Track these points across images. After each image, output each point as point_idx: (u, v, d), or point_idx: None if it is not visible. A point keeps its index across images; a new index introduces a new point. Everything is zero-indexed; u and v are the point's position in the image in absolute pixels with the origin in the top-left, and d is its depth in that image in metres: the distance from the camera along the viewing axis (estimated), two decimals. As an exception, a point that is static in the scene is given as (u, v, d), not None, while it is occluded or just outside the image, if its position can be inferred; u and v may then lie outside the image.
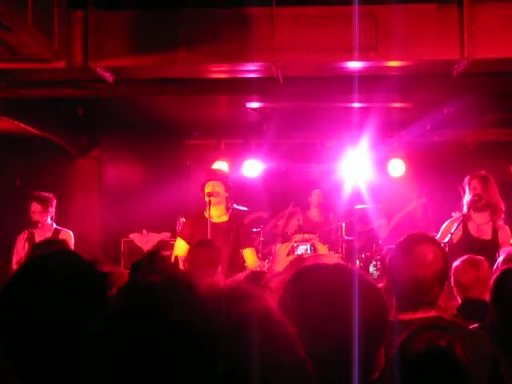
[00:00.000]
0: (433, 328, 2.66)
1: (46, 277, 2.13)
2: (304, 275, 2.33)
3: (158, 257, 5.79)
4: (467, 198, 7.74)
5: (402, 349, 2.50)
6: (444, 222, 7.93)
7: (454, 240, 7.51)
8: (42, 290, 2.08)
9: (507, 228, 7.77)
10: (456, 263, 5.69)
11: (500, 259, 5.03)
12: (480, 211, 7.71)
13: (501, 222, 7.75)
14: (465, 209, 7.72)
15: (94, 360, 2.03)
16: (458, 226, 7.51)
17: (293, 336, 1.16)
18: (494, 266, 4.97)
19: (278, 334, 1.13)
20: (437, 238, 7.79)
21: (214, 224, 8.18)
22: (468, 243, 7.45)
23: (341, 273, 2.30)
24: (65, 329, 2.04)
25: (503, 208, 7.78)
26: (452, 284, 5.66)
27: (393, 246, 3.85)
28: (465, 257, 5.70)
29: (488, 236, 7.65)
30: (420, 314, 3.46)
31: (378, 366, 2.25)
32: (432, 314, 3.49)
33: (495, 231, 7.67)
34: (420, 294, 3.51)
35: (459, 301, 5.60)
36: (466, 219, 7.65)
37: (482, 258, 5.59)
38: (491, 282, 2.92)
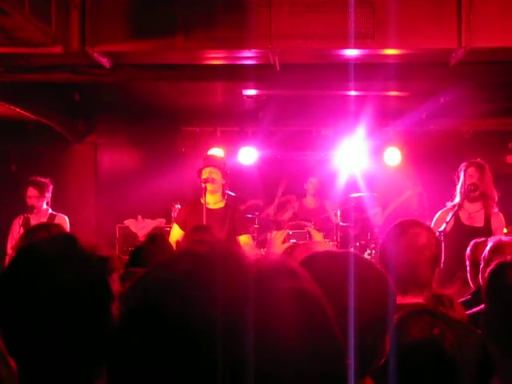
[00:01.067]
0: (426, 314, 2.67)
1: (46, 260, 2.12)
2: (314, 261, 2.35)
3: (159, 240, 5.80)
4: (461, 185, 7.72)
5: (396, 335, 2.50)
6: (439, 210, 7.94)
7: (447, 229, 7.50)
8: (42, 275, 2.07)
9: (501, 215, 7.76)
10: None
11: (487, 248, 5.01)
12: (473, 201, 7.69)
13: (495, 210, 7.74)
14: (458, 197, 7.70)
15: (96, 351, 2.03)
16: (452, 215, 7.51)
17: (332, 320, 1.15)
18: (482, 255, 4.95)
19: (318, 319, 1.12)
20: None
21: (209, 210, 8.20)
22: (460, 231, 7.44)
23: (349, 259, 2.32)
24: (66, 315, 2.04)
25: (496, 198, 7.77)
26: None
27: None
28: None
29: (480, 223, 7.64)
30: (409, 299, 3.46)
31: (383, 351, 2.26)
32: (421, 300, 3.51)
33: (488, 218, 7.65)
34: (411, 277, 3.52)
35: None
36: (458, 208, 7.64)
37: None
38: (487, 273, 2.92)
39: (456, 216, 7.63)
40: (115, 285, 2.17)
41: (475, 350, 2.99)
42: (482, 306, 3.01)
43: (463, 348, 2.55)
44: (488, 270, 2.91)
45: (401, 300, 3.41)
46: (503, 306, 2.72)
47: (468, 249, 5.75)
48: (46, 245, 2.24)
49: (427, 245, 3.58)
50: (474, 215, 7.68)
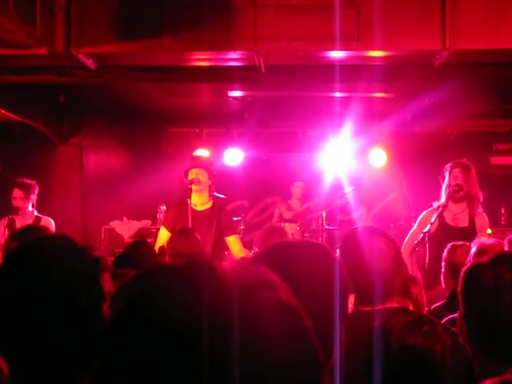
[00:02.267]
0: (413, 313, 2.69)
1: (38, 261, 2.13)
2: (276, 250, 2.40)
3: (142, 247, 5.82)
4: (446, 186, 7.72)
5: (382, 334, 2.51)
6: (424, 211, 7.96)
7: (432, 230, 7.51)
8: (36, 274, 2.09)
9: (485, 215, 7.76)
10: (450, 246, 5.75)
11: (472, 251, 5.03)
12: (458, 201, 7.71)
13: (479, 210, 7.75)
14: (443, 198, 7.72)
15: (87, 350, 2.05)
16: (437, 216, 7.53)
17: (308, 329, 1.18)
18: (467, 259, 4.95)
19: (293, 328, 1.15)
20: (414, 228, 7.84)
21: (196, 212, 8.20)
22: (444, 232, 7.44)
23: (308, 248, 2.38)
24: (58, 314, 2.05)
25: (481, 198, 7.79)
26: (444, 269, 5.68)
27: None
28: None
29: (465, 223, 7.65)
30: (389, 304, 3.47)
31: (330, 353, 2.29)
32: (399, 304, 3.52)
33: (472, 218, 7.66)
34: (385, 287, 3.50)
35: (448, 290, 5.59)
36: (442, 209, 7.65)
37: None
38: (461, 274, 2.94)
39: (441, 217, 7.64)
40: (107, 284, 2.19)
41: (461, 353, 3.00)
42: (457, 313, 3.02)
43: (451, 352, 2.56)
44: (462, 270, 2.93)
45: (379, 306, 3.43)
46: (479, 308, 2.74)
47: (445, 250, 5.77)
48: (40, 244, 2.25)
49: (389, 251, 3.58)
50: (459, 216, 7.69)
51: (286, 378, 1.09)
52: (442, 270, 5.70)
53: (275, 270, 1.19)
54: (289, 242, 2.99)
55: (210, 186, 8.48)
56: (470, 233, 7.21)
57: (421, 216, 7.85)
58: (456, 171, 7.71)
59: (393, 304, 3.49)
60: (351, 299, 2.57)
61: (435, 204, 7.82)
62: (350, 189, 11.61)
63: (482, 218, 7.70)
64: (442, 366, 2.41)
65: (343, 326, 2.34)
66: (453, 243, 5.81)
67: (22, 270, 2.11)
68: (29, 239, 2.41)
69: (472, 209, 7.67)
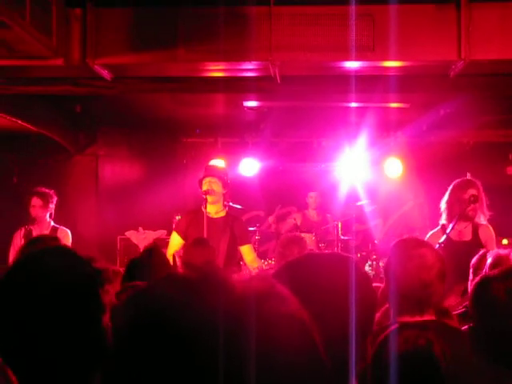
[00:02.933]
0: (414, 327, 2.68)
1: (37, 273, 2.15)
2: (296, 265, 2.38)
3: (156, 254, 5.81)
4: (455, 201, 7.58)
5: (380, 347, 2.51)
6: (439, 221, 7.89)
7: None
8: (36, 285, 2.10)
9: (489, 227, 7.62)
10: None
11: (488, 263, 5.01)
12: (467, 219, 7.56)
13: (483, 222, 7.61)
14: (448, 216, 7.57)
15: (85, 361, 2.06)
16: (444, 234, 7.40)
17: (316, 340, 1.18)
18: (483, 271, 4.94)
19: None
20: None
21: (210, 219, 8.19)
22: (450, 248, 7.34)
23: (335, 261, 2.36)
24: (56, 325, 2.06)
25: (487, 215, 7.65)
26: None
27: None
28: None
29: (468, 237, 7.57)
30: (426, 317, 3.49)
31: (362, 357, 2.28)
32: (433, 317, 3.54)
33: (475, 231, 7.56)
34: (426, 297, 3.53)
35: None
36: (446, 227, 7.55)
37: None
38: (471, 287, 2.93)
39: (444, 233, 7.57)
40: (107, 296, 2.20)
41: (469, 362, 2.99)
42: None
43: (457, 359, 2.55)
44: (473, 283, 2.92)
45: (418, 318, 3.46)
46: (491, 320, 2.73)
47: (475, 257, 5.75)
48: (40, 256, 2.27)
49: (434, 263, 3.61)
50: (463, 230, 7.61)
51: None
52: (471, 276, 5.68)
53: (301, 283, 1.18)
54: (316, 253, 2.97)
55: (224, 195, 8.48)
56: (474, 245, 7.13)
57: (427, 237, 7.70)
58: (467, 187, 7.60)
59: (430, 316, 3.52)
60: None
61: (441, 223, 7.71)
62: (363, 202, 11.62)
63: (484, 229, 7.58)
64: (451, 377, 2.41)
65: (370, 337, 2.34)
66: (484, 250, 5.81)
67: (22, 281, 2.13)
68: (30, 252, 2.43)
69: (474, 222, 7.57)
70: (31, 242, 5.94)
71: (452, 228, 7.38)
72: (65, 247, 2.33)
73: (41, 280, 2.11)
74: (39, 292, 2.08)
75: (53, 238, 6.45)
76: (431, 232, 7.76)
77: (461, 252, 6.07)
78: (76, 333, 2.07)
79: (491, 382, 2.66)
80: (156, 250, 5.93)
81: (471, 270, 5.72)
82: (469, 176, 7.87)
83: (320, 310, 1.97)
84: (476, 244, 7.26)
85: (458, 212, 7.48)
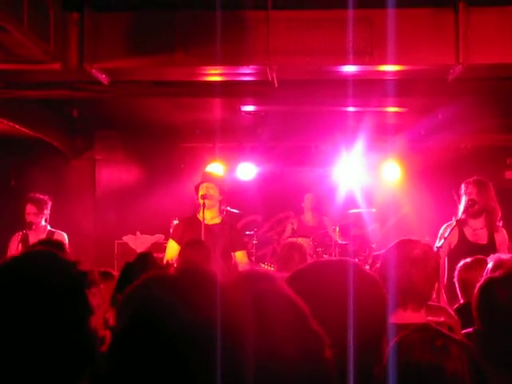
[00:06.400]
0: (428, 329, 2.66)
1: (21, 276, 2.14)
2: (306, 273, 2.39)
3: (150, 259, 5.79)
4: (462, 203, 7.69)
5: (396, 348, 2.50)
6: (438, 226, 7.91)
7: (452, 245, 7.51)
8: (19, 289, 2.10)
9: (504, 231, 7.72)
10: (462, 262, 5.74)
11: (489, 266, 5.01)
12: (475, 217, 7.66)
13: (499, 224, 7.71)
14: (459, 214, 7.67)
15: (71, 363, 2.05)
16: (451, 231, 7.47)
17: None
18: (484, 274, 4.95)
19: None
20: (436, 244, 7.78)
21: (206, 226, 8.19)
22: (465, 248, 7.38)
23: (343, 268, 2.36)
24: (42, 327, 2.06)
25: (499, 213, 7.74)
26: (456, 283, 5.71)
27: (380, 252, 3.90)
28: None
29: (484, 240, 7.61)
30: (409, 313, 3.50)
31: (378, 360, 2.27)
32: (420, 314, 3.55)
33: (491, 235, 7.62)
34: (409, 289, 3.55)
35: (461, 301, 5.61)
36: (461, 225, 7.61)
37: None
38: (476, 290, 2.92)
39: (460, 232, 7.61)
40: (94, 299, 2.20)
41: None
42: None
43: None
44: (477, 286, 2.91)
45: (403, 315, 3.50)
46: (495, 324, 2.72)
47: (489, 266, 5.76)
48: (26, 260, 2.26)
49: (423, 258, 3.62)
50: (479, 232, 7.65)
51: None
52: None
53: (312, 291, 1.18)
54: (325, 261, 3.03)
55: (220, 201, 8.48)
56: (490, 250, 7.14)
57: (440, 230, 7.76)
58: (470, 187, 7.68)
59: (418, 313, 3.53)
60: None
61: (454, 219, 7.75)
62: (360, 210, 11.63)
63: (501, 234, 7.67)
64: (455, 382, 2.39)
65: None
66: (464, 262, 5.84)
67: (6, 285, 2.12)
68: (17, 255, 2.43)
69: (491, 225, 7.63)
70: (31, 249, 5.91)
71: (462, 226, 7.46)
72: (49, 251, 2.32)
73: (25, 283, 2.11)
74: (23, 295, 2.07)
75: (52, 242, 6.43)
76: (445, 224, 7.77)
77: (474, 254, 6.07)
78: (62, 336, 2.07)
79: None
80: (150, 255, 5.93)
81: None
82: (476, 178, 7.86)
83: (332, 316, 1.97)
84: (492, 248, 7.27)
85: (463, 211, 7.56)
